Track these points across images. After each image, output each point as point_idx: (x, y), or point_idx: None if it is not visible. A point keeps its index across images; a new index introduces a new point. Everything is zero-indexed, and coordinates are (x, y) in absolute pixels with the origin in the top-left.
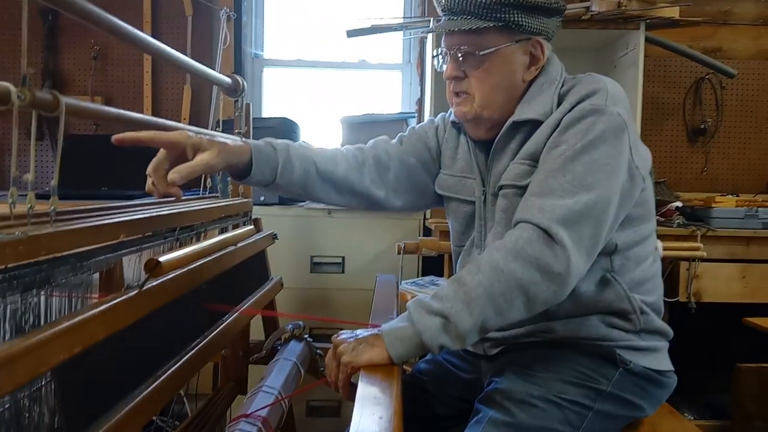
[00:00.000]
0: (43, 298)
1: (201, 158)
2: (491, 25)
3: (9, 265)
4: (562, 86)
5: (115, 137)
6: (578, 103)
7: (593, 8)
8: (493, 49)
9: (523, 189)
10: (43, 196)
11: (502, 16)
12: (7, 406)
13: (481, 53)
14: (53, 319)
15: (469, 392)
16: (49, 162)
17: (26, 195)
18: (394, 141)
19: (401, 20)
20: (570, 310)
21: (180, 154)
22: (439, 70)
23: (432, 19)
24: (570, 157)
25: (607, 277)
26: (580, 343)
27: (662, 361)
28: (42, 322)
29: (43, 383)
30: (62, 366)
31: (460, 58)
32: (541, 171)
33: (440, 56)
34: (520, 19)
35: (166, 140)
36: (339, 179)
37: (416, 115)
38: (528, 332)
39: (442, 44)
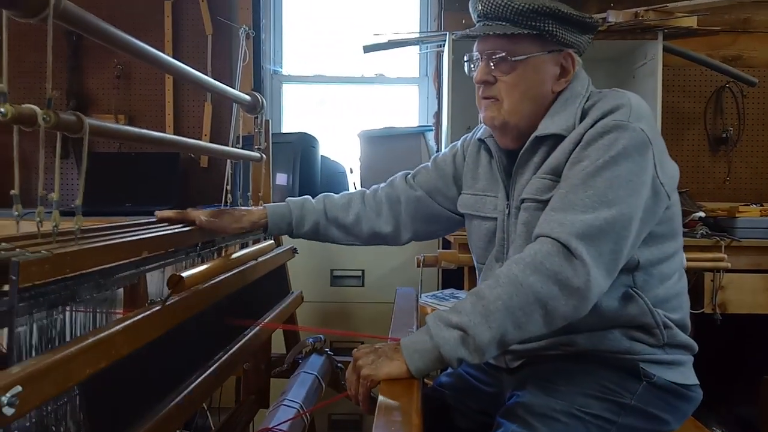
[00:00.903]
0: (68, 314)
1: (239, 228)
2: (526, 32)
3: (35, 283)
4: (587, 100)
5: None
6: (601, 118)
7: (610, 19)
8: (525, 57)
9: (544, 203)
10: (68, 213)
11: (537, 24)
12: (33, 420)
13: (514, 59)
14: (79, 334)
15: (491, 405)
16: (73, 179)
17: (51, 213)
18: (410, 174)
19: (417, 35)
20: (592, 323)
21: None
22: (469, 74)
23: (448, 33)
24: (591, 173)
25: (630, 293)
26: (603, 357)
27: (687, 375)
28: (68, 338)
29: (69, 398)
30: (88, 381)
31: (492, 64)
32: (562, 186)
33: (471, 61)
34: (554, 29)
35: (211, 228)
36: (350, 225)
37: (434, 128)
38: (549, 345)
39: (474, 49)
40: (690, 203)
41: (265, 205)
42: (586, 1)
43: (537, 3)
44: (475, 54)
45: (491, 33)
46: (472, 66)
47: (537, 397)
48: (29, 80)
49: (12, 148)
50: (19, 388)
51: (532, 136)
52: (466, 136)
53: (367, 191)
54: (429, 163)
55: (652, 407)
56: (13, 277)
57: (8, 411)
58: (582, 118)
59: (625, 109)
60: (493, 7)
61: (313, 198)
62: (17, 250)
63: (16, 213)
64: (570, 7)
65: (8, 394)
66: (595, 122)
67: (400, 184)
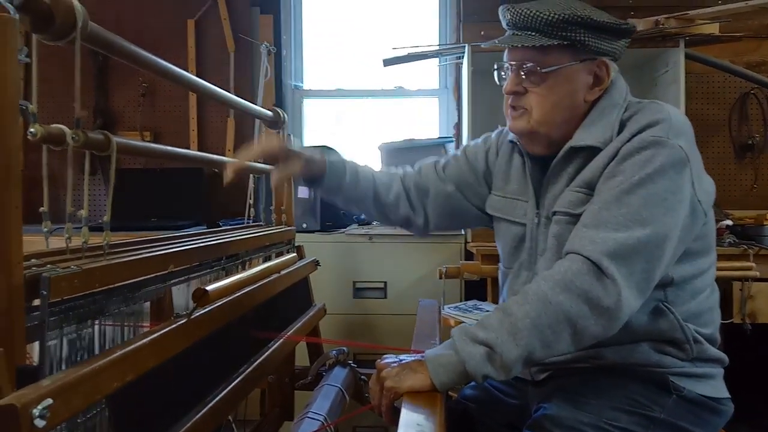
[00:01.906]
0: (97, 327)
1: (292, 167)
2: (556, 43)
3: (65, 298)
4: (625, 111)
5: (227, 178)
6: (638, 132)
7: (637, 28)
8: (556, 67)
9: (576, 217)
10: (96, 228)
11: (568, 35)
12: None
13: (544, 70)
14: (107, 347)
15: (516, 418)
16: (101, 195)
17: (80, 229)
18: (441, 163)
19: (437, 47)
20: (620, 337)
21: (272, 161)
22: (498, 83)
23: (467, 45)
24: (626, 190)
25: (661, 308)
26: (631, 369)
27: (718, 388)
28: (96, 351)
29: (97, 410)
30: (116, 393)
31: (522, 75)
32: (595, 201)
33: (501, 71)
34: (586, 38)
35: (267, 152)
36: (388, 204)
37: (454, 139)
38: (576, 358)
39: (504, 58)
40: (717, 211)
41: (323, 153)
42: (607, 10)
43: (567, 12)
44: (505, 63)
45: (520, 45)
46: (502, 74)
47: (564, 410)
48: (57, 99)
49: (40, 166)
50: (50, 401)
51: (567, 146)
52: (501, 129)
53: (403, 174)
54: (459, 153)
55: (682, 421)
56: (44, 292)
57: (40, 423)
58: (619, 130)
59: (664, 124)
60: (522, 17)
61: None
62: (48, 266)
63: (46, 229)
64: (603, 12)
65: (40, 407)
66: (633, 136)
67: (430, 174)
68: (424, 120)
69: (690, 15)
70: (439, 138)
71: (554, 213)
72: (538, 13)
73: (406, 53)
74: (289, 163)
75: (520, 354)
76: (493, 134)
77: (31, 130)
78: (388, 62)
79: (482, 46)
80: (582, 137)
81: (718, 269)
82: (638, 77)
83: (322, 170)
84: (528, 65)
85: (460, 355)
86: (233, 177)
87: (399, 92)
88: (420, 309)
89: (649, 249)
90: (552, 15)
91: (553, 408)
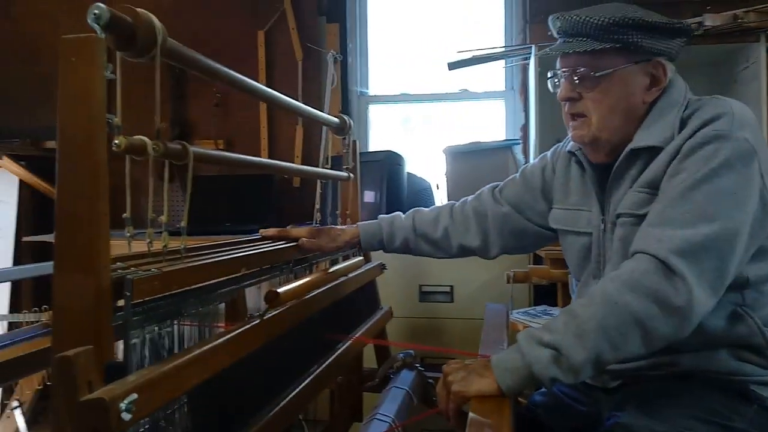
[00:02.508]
0: (176, 327)
1: (335, 248)
2: (608, 46)
3: (146, 299)
4: (685, 109)
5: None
6: (700, 128)
7: (707, 23)
8: (610, 71)
9: (641, 218)
10: (173, 233)
11: (621, 37)
12: (146, 426)
13: (598, 74)
14: (185, 346)
15: (587, 427)
16: (177, 201)
17: (161, 233)
18: (498, 187)
19: (502, 49)
20: (696, 343)
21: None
22: (552, 91)
23: (533, 46)
24: (690, 186)
25: (739, 312)
26: (709, 377)
27: None
28: (176, 350)
29: (177, 406)
30: (194, 390)
31: (576, 80)
32: (660, 200)
33: (555, 78)
34: (639, 40)
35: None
36: (438, 240)
37: (521, 142)
38: (650, 365)
39: (557, 66)
40: None
41: (358, 224)
42: (681, 5)
43: (618, 15)
44: (557, 71)
45: (571, 51)
46: (556, 82)
47: (638, 419)
48: (136, 111)
49: (123, 174)
50: (135, 396)
51: (628, 148)
52: (556, 146)
53: (456, 204)
54: (517, 175)
55: None
56: (128, 294)
57: (126, 416)
58: (680, 129)
59: (726, 117)
60: (573, 24)
61: (404, 213)
62: (131, 269)
63: (128, 234)
64: (655, 13)
65: (126, 401)
66: (695, 132)
67: (487, 199)
68: (489, 123)
69: None
70: (506, 140)
71: (618, 216)
72: (588, 19)
73: (471, 56)
74: (331, 246)
75: (587, 356)
76: (549, 153)
77: (116, 141)
78: (453, 66)
79: (536, 55)
80: (642, 138)
81: None
82: (717, 74)
83: (357, 239)
84: (581, 70)
85: (526, 359)
86: (272, 237)
87: (464, 95)
88: (487, 313)
89: (719, 245)
90: (602, 19)
91: (626, 417)
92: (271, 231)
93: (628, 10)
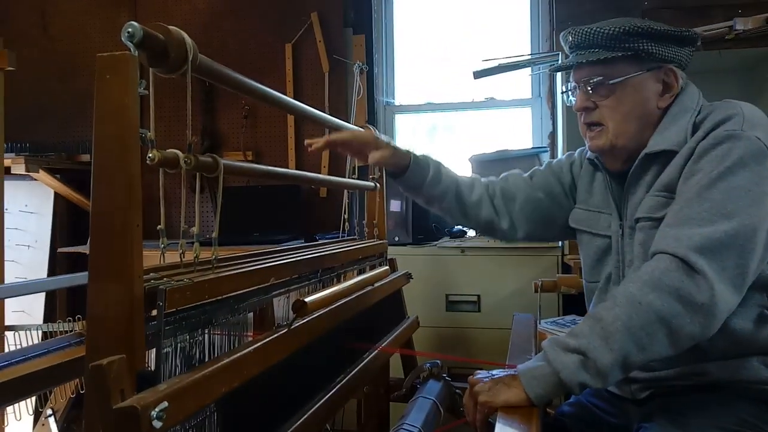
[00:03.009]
0: (206, 336)
1: (381, 154)
2: (620, 54)
3: (178, 308)
4: (698, 114)
5: (310, 146)
6: (712, 130)
7: (737, 27)
8: (622, 78)
9: (659, 221)
10: (204, 243)
11: (632, 45)
12: None
13: (611, 82)
14: (215, 355)
15: None
16: (208, 212)
17: (192, 243)
18: (526, 175)
19: (528, 57)
20: (725, 350)
21: (361, 149)
22: (568, 104)
23: (561, 53)
24: (706, 185)
25: (765, 314)
26: (739, 387)
27: None
28: (206, 358)
29: (206, 414)
30: (223, 399)
31: (590, 90)
32: (677, 201)
33: (569, 91)
34: (650, 47)
35: (359, 140)
36: (470, 204)
37: (548, 149)
38: (679, 374)
39: (571, 79)
40: None
41: (408, 149)
42: (712, 10)
43: (628, 25)
44: (572, 84)
45: (584, 61)
46: (571, 96)
47: (667, 430)
48: (167, 124)
49: (153, 186)
50: (166, 404)
51: (642, 153)
52: (583, 148)
53: (483, 179)
54: (543, 168)
55: None
56: (160, 303)
57: (157, 424)
58: (693, 132)
59: (737, 118)
60: (584, 36)
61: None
62: (164, 279)
63: (162, 245)
64: (663, 23)
65: (157, 409)
66: (707, 134)
67: (519, 182)
68: (516, 131)
69: None
70: (533, 148)
71: (637, 220)
72: (599, 30)
73: (497, 64)
74: (379, 151)
75: (614, 359)
76: (576, 152)
77: (150, 155)
78: (478, 74)
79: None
80: (656, 143)
81: None
82: (748, 80)
83: (406, 163)
84: (595, 80)
85: (553, 366)
86: (322, 147)
87: (490, 103)
88: (515, 323)
89: (739, 242)
90: (613, 29)
91: (655, 428)
92: (320, 141)
93: (637, 20)
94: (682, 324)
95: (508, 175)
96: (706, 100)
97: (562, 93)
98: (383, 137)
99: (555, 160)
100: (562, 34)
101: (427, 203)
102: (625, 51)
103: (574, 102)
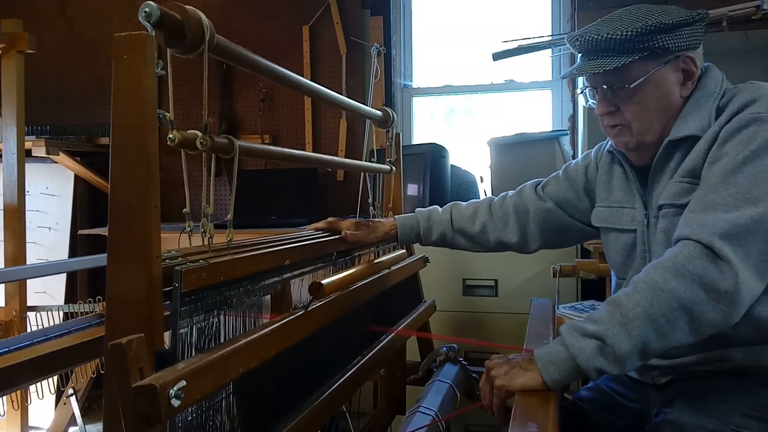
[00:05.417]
0: (222, 317)
1: (360, 237)
2: (636, 57)
3: (194, 289)
4: (722, 98)
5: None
6: (737, 113)
7: (765, 6)
8: (642, 79)
9: (682, 207)
10: (220, 226)
11: (645, 45)
12: (194, 415)
13: (632, 86)
14: (231, 336)
15: (635, 423)
16: (224, 195)
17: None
18: (541, 184)
19: (549, 38)
20: (748, 336)
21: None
22: (587, 105)
23: None
24: (731, 170)
25: None
26: (762, 373)
27: None
28: (222, 340)
29: (223, 395)
30: (240, 379)
31: (610, 95)
32: (701, 187)
33: (587, 91)
34: (664, 42)
35: (332, 230)
36: (475, 235)
37: (569, 132)
38: (700, 360)
39: (585, 83)
40: None
41: (395, 217)
42: None
43: (638, 25)
44: (588, 87)
45: (600, 70)
46: (588, 95)
47: (687, 415)
48: (185, 106)
49: (169, 169)
50: (184, 383)
51: (665, 140)
52: (600, 144)
53: (495, 199)
54: (560, 173)
55: None
56: (176, 284)
57: (175, 402)
58: (717, 116)
59: (763, 100)
60: (594, 44)
61: (441, 207)
62: (180, 259)
63: (188, 228)
64: (671, 8)
65: (175, 388)
66: (731, 118)
67: (530, 194)
68: (535, 114)
69: None
70: (552, 131)
71: (660, 207)
72: (609, 36)
73: (516, 46)
74: (358, 234)
75: (633, 345)
76: (593, 151)
77: (170, 136)
78: (497, 56)
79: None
80: (679, 129)
81: None
82: None
83: (394, 234)
84: (614, 87)
85: (571, 351)
86: (321, 229)
87: (510, 86)
88: (533, 307)
89: (765, 228)
90: (623, 33)
91: (675, 413)
92: (321, 224)
93: (646, 15)
94: (704, 311)
95: (522, 188)
96: (730, 82)
97: (579, 93)
98: (375, 220)
99: (572, 163)
100: (567, 39)
101: (441, 246)
102: (641, 52)
103: (593, 104)
